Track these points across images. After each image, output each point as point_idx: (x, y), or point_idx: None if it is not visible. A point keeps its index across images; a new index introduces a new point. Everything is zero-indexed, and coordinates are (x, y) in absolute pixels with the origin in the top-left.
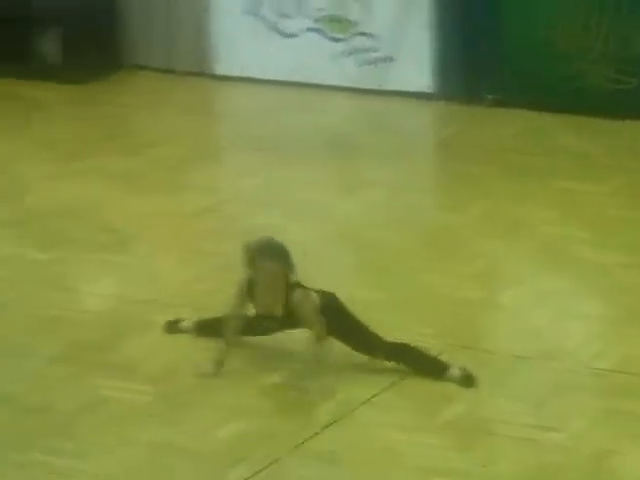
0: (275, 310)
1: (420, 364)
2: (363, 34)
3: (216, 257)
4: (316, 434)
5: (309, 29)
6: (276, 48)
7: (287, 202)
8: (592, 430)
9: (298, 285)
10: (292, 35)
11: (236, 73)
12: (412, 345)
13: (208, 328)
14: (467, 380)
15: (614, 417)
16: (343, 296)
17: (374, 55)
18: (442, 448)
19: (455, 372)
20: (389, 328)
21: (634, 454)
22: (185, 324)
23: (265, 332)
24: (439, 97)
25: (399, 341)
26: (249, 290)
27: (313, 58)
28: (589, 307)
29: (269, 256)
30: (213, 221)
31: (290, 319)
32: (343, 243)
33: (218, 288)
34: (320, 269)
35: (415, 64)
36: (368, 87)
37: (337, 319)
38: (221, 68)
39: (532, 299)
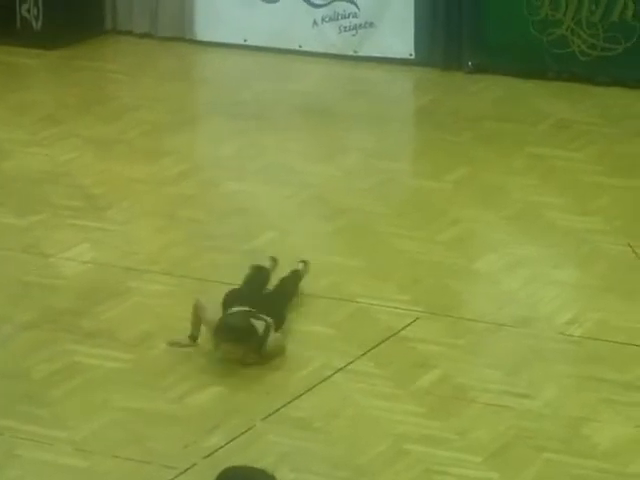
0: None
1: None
2: (344, 0)
3: (192, 223)
4: (291, 401)
5: None
6: (257, 14)
7: (264, 168)
8: (567, 397)
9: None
10: (273, 1)
11: (217, 39)
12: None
13: None
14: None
15: (588, 384)
16: (317, 261)
17: (355, 21)
18: (417, 415)
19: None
20: (365, 294)
21: (608, 421)
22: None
23: None
24: (420, 64)
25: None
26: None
27: (294, 24)
28: (565, 274)
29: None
30: (190, 187)
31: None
32: (319, 209)
33: (194, 254)
34: (296, 235)
35: (396, 31)
36: (348, 53)
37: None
38: (202, 34)
39: (508, 266)
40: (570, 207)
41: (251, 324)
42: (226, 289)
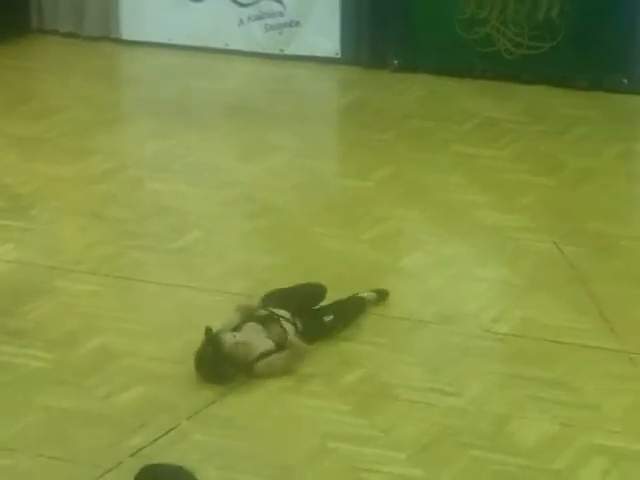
0: None
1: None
2: None
3: (118, 222)
4: (217, 400)
5: None
6: (183, 13)
7: (190, 167)
8: (491, 394)
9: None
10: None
11: (142, 38)
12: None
13: None
14: (382, 295)
15: (513, 381)
16: (243, 260)
17: (281, 20)
18: (343, 413)
19: (371, 296)
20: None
21: (532, 418)
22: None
23: None
24: (346, 62)
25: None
26: None
27: (220, 23)
28: (490, 271)
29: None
30: (115, 186)
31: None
32: (245, 208)
33: (119, 253)
34: (221, 234)
35: (322, 30)
36: (274, 52)
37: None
38: (128, 33)
39: (433, 264)
40: (495, 205)
41: (219, 359)
42: (152, 288)
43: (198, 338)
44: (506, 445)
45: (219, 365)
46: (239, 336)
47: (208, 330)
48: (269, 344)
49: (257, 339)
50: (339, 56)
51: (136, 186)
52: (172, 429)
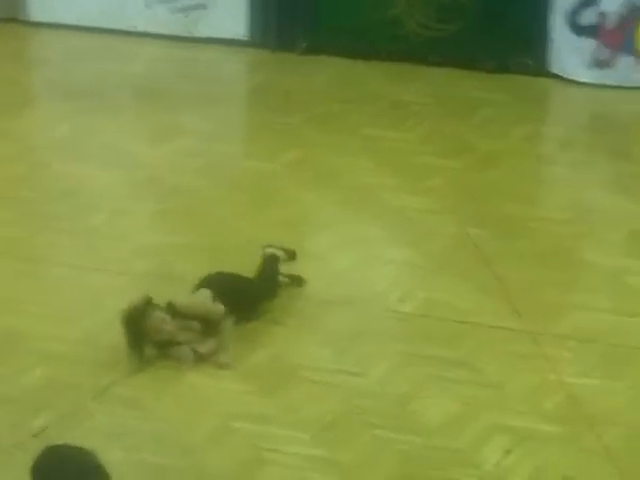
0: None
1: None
2: None
3: (26, 204)
4: (121, 381)
5: None
6: None
7: (97, 150)
8: (396, 374)
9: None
10: None
11: (49, 19)
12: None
13: None
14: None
15: (417, 361)
16: (149, 241)
17: (187, 2)
18: (247, 393)
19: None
20: (197, 273)
21: (435, 397)
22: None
23: None
24: (253, 45)
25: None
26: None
27: (126, 4)
28: (396, 253)
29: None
30: (23, 168)
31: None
32: (152, 190)
33: (27, 235)
34: (128, 216)
35: (230, 12)
36: (181, 34)
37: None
38: (36, 14)
39: (340, 246)
40: (403, 188)
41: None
42: (58, 270)
43: (104, 319)
44: (410, 424)
45: (138, 335)
46: (168, 320)
47: (148, 299)
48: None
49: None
50: (247, 39)
51: (44, 168)
52: (76, 410)
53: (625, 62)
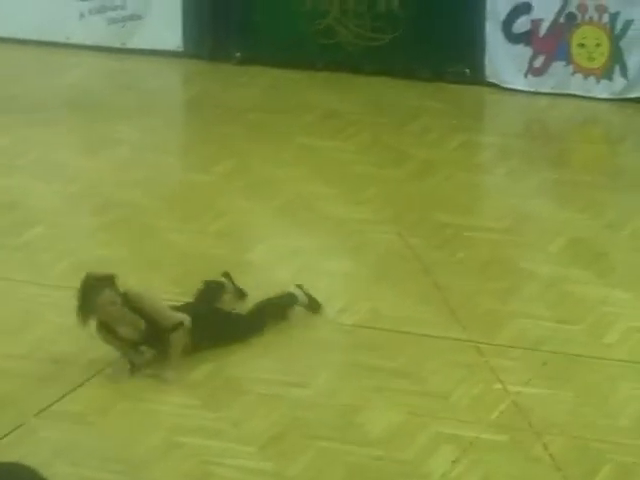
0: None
1: (278, 313)
2: None
3: None
4: (65, 395)
5: None
6: (22, 6)
7: (33, 163)
8: (339, 385)
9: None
10: None
11: None
12: (263, 303)
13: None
14: (313, 305)
15: (360, 372)
16: (87, 255)
17: (122, 13)
18: (191, 407)
19: (302, 297)
20: (136, 285)
21: (379, 408)
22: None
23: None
24: (188, 56)
25: (254, 308)
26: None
27: (60, 16)
28: (336, 264)
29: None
30: None
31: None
32: (89, 203)
33: None
34: (65, 229)
35: (165, 23)
36: (115, 46)
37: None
38: None
39: (278, 256)
40: (340, 198)
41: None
42: None
43: (44, 333)
44: (355, 436)
45: (87, 303)
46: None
47: (111, 276)
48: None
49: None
50: (181, 49)
51: None
52: (19, 426)
53: (559, 68)
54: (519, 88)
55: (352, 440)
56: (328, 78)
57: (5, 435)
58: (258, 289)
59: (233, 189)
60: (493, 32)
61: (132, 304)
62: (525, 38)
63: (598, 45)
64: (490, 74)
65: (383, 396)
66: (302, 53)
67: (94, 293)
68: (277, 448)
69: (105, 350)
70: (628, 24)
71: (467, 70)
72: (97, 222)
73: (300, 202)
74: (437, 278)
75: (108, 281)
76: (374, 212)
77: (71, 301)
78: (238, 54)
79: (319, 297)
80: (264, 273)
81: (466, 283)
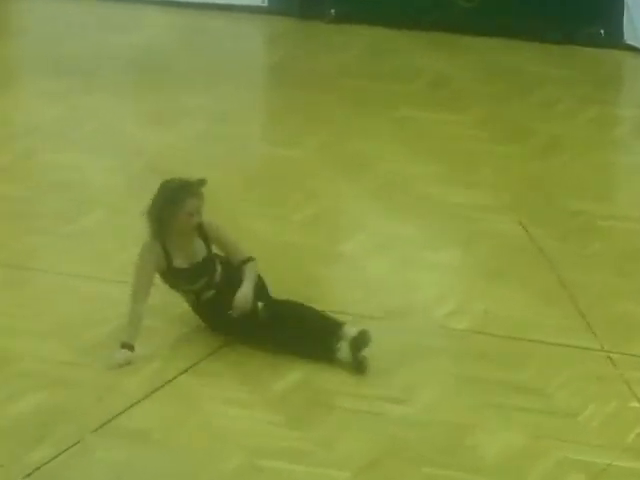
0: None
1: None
2: None
3: (7, 201)
4: (127, 410)
5: None
6: None
7: (90, 135)
8: (447, 401)
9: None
10: None
11: None
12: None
13: None
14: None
15: (472, 385)
16: None
17: None
18: (275, 425)
19: (351, 331)
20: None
21: (494, 428)
22: None
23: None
24: (273, 12)
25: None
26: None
27: None
28: (443, 257)
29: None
30: (4, 158)
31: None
32: (155, 183)
33: (9, 237)
34: (128, 214)
35: None
36: (189, 0)
37: None
38: None
39: (377, 248)
40: (449, 179)
41: None
42: (49, 279)
43: (102, 336)
44: (466, 461)
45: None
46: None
47: (202, 181)
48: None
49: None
50: (265, 5)
51: (29, 158)
52: (75, 444)
53: None
54: None
55: (462, 466)
56: (437, 39)
57: (58, 454)
58: (353, 288)
59: (323, 168)
60: None
61: (209, 233)
62: None
63: None
64: (629, 36)
65: (499, 414)
66: (407, 9)
67: (178, 197)
68: (374, 474)
69: (174, 358)
70: None
71: (602, 31)
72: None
73: (401, 184)
74: (564, 275)
75: (197, 188)
76: (489, 197)
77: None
78: (332, 11)
79: (424, 297)
80: (359, 268)
81: (598, 281)
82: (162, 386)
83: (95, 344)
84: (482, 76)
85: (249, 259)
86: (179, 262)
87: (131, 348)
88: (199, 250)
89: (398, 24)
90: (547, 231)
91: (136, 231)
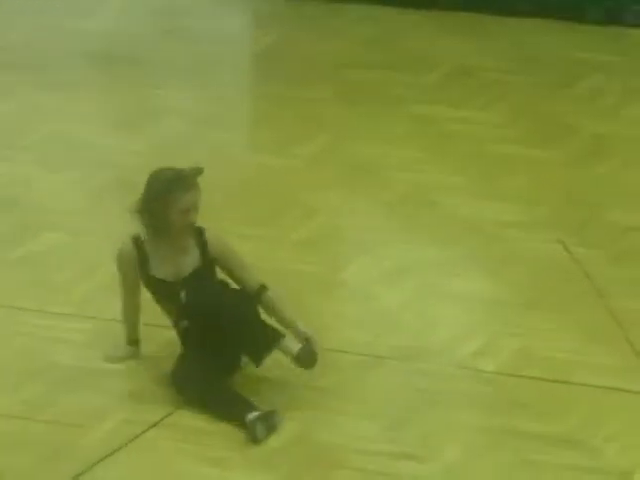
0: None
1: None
2: None
3: None
4: (86, 471)
5: None
6: None
7: (42, 142)
8: (474, 459)
9: None
10: None
11: None
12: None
13: None
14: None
15: (505, 439)
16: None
17: None
18: None
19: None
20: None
21: None
22: None
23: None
24: None
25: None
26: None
27: None
28: (468, 284)
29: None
30: None
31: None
32: (122, 199)
33: None
34: (90, 236)
35: None
36: None
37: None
38: None
39: (387, 274)
40: (474, 190)
41: None
42: None
43: (55, 382)
44: None
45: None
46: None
47: (199, 170)
48: None
49: None
50: None
51: None
52: None
53: None
54: None
55: None
56: (459, 20)
57: None
58: (361, 321)
59: (322, 177)
60: None
61: (212, 247)
62: None
63: None
64: None
65: (539, 474)
66: None
67: (170, 190)
68: None
69: (137, 408)
70: None
71: None
72: (133, 226)
73: (417, 196)
74: (615, 304)
75: (193, 179)
76: (523, 210)
77: (96, 337)
78: None
79: (447, 332)
80: (368, 298)
81: None
82: (128, 442)
83: (41, 394)
84: (514, 65)
85: (263, 288)
86: (160, 271)
87: (136, 343)
88: (190, 261)
89: (410, 3)
90: (593, 252)
91: (98, 257)
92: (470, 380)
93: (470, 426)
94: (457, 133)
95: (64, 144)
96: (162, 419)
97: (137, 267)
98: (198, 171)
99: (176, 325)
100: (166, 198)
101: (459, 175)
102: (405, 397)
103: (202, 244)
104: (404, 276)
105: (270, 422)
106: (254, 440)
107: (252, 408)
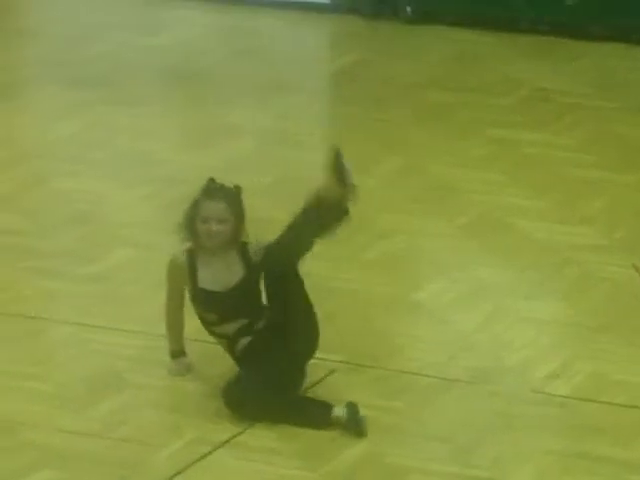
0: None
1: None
2: None
3: (11, 236)
4: None
5: None
6: None
7: (113, 157)
8: None
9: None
10: None
11: None
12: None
13: None
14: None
15: (579, 464)
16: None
17: None
18: None
19: (341, 413)
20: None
21: None
22: None
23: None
24: (339, 10)
25: None
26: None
27: None
28: (543, 307)
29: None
30: (7, 184)
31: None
32: None
33: (14, 281)
34: (159, 252)
35: None
36: None
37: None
38: None
39: (461, 297)
40: (551, 213)
41: None
42: (62, 330)
43: (126, 400)
44: None
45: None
46: None
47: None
48: None
49: None
50: (329, 2)
51: (37, 184)
52: None
53: None
54: None
55: None
56: (537, 44)
57: None
58: (434, 343)
59: (398, 199)
60: None
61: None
62: None
63: None
64: None
65: None
66: (499, 8)
67: (196, 200)
68: None
69: (207, 427)
70: None
71: None
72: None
73: (493, 219)
74: None
75: (219, 192)
76: (600, 234)
77: (160, 355)
78: (409, 8)
79: (521, 356)
80: (441, 320)
81: None
82: (195, 462)
83: (114, 411)
84: (592, 89)
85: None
86: (206, 282)
87: (182, 354)
88: (235, 273)
89: (488, 25)
90: None
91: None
92: (543, 403)
93: (543, 450)
94: (534, 156)
95: (136, 160)
96: (232, 438)
97: (187, 278)
98: (232, 189)
99: (230, 341)
100: (192, 206)
101: (536, 198)
102: (478, 420)
103: (245, 257)
104: (479, 298)
105: (356, 411)
106: (356, 427)
107: (331, 405)
